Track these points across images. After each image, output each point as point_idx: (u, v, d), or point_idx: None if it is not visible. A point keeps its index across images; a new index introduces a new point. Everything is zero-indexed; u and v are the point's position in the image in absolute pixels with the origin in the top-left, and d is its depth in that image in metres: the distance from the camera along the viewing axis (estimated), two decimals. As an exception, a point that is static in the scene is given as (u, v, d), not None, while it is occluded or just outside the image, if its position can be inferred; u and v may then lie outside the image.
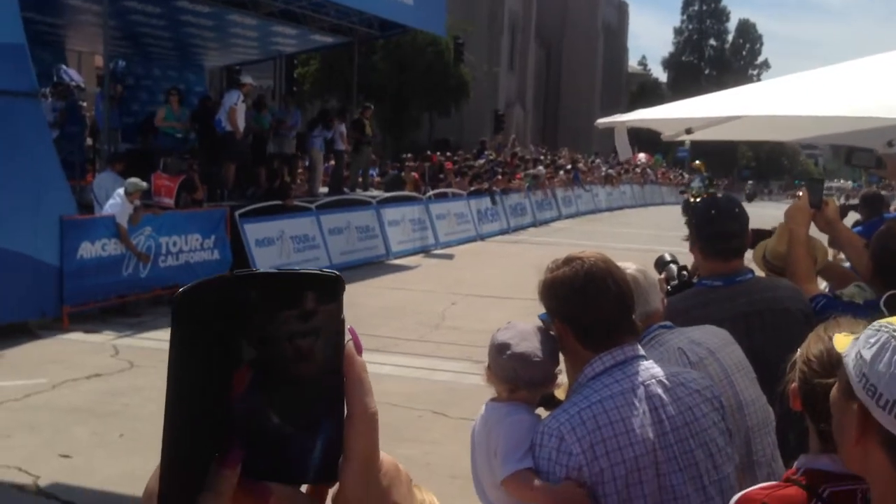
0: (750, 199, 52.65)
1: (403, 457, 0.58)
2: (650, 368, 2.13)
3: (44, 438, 6.10)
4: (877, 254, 2.96)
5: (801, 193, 3.14)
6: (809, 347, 1.37)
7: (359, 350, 0.59)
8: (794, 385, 1.39)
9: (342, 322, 0.58)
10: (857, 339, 1.22)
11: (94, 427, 6.36)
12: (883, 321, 1.20)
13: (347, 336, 0.59)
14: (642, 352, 2.18)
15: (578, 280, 2.09)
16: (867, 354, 1.17)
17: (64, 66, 14.89)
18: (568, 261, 2.14)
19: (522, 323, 2.27)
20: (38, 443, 6.02)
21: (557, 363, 2.20)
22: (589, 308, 2.10)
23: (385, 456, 0.61)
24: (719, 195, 3.25)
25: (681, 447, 2.05)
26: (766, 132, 4.77)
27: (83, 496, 5.15)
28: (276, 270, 0.57)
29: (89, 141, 14.94)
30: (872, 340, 1.18)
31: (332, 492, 0.60)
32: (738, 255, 3.01)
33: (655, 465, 2.00)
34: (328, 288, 0.57)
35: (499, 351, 2.17)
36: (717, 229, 2.98)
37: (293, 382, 0.57)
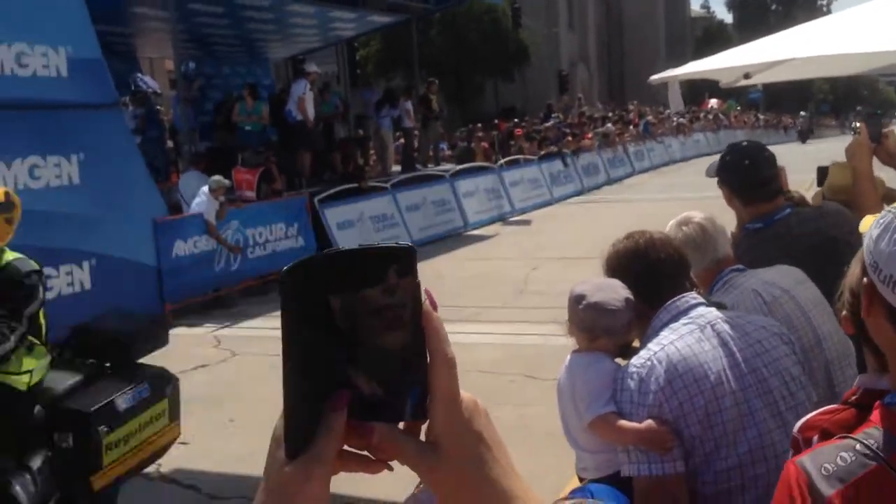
0: (803, 138, 46.57)
1: (499, 421, 0.72)
2: (713, 311, 2.28)
3: (162, 428, 6.49)
4: None
5: (858, 126, 3.16)
6: (853, 271, 1.46)
7: (434, 307, 0.71)
8: (845, 313, 1.46)
9: (419, 288, 0.69)
10: (874, 220, 1.29)
11: (207, 414, 6.69)
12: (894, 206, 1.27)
13: (424, 297, 0.70)
14: (702, 299, 2.33)
15: (640, 249, 2.35)
16: (874, 233, 1.26)
17: (139, 74, 15.39)
18: (628, 235, 2.41)
19: (599, 278, 2.42)
20: (157, 432, 6.40)
21: (633, 311, 2.33)
22: (650, 272, 2.32)
23: (465, 393, 0.73)
24: (744, 143, 3.30)
25: (755, 376, 2.17)
26: (826, 68, 4.71)
27: (203, 479, 5.44)
28: (357, 247, 0.68)
29: (170, 143, 15.45)
30: (881, 221, 1.26)
31: (424, 427, 0.71)
32: (778, 195, 3.12)
33: (733, 394, 2.12)
34: (405, 261, 0.68)
35: (576, 301, 2.33)
36: (755, 178, 3.08)
37: (382, 350, 0.67)
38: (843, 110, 78.19)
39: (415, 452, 0.70)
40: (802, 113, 60.17)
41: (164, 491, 5.36)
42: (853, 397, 1.41)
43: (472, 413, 0.72)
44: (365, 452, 0.71)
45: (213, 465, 5.65)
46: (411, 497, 1.86)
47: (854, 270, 1.37)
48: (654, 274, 2.32)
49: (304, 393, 0.67)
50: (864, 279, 1.30)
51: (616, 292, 2.30)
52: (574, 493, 2.21)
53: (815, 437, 1.42)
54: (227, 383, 7.56)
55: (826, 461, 1.20)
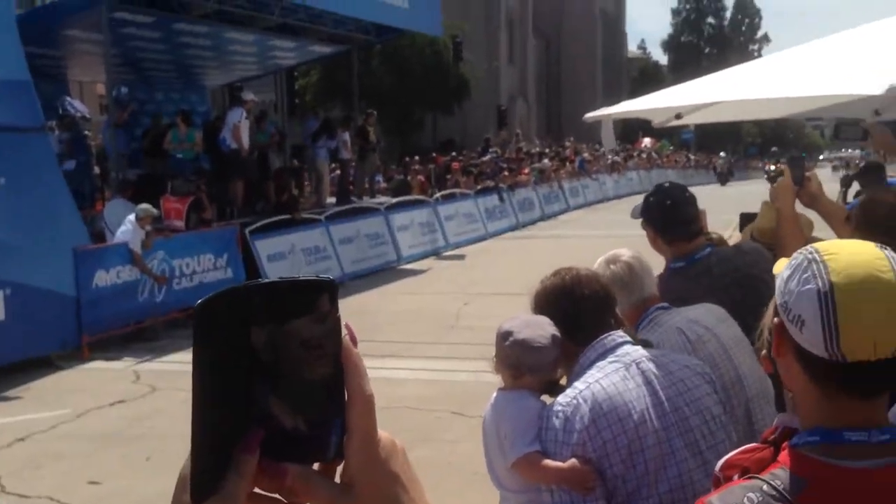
0: (723, 180, 44.91)
1: (424, 458, 0.68)
2: (638, 350, 2.28)
3: (73, 466, 6.22)
4: (860, 224, 2.99)
5: (772, 169, 3.21)
6: (769, 311, 1.46)
7: (354, 342, 0.68)
8: (764, 352, 1.48)
9: (339, 322, 0.66)
10: (787, 262, 1.33)
11: (122, 452, 6.47)
12: (808, 246, 1.31)
13: (344, 332, 0.67)
14: (628, 338, 2.32)
15: (566, 286, 2.34)
16: (785, 274, 1.29)
17: (68, 98, 15.04)
18: (556, 272, 2.42)
19: (527, 314, 2.41)
20: (67, 471, 6.13)
21: (560, 350, 2.31)
22: (576, 309, 2.31)
23: (382, 432, 0.70)
24: (666, 185, 3.40)
25: (677, 415, 2.17)
26: (755, 112, 4.83)
27: (117, 519, 5.26)
28: (278, 279, 0.65)
29: (96, 170, 15.10)
30: (793, 263, 1.29)
31: (340, 468, 0.69)
32: (699, 235, 3.21)
33: (655, 433, 2.12)
34: (329, 293, 0.65)
35: (503, 338, 2.31)
36: (676, 218, 3.17)
37: (307, 383, 0.65)
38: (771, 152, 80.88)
39: (328, 494, 0.68)
40: (722, 154, 61.45)
41: (73, 532, 5.11)
42: (772, 436, 1.43)
43: (389, 453, 0.70)
44: (277, 495, 0.68)
45: (129, 506, 5.41)
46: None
47: (770, 311, 1.40)
48: (579, 311, 2.32)
49: (215, 432, 0.65)
50: (775, 319, 1.33)
51: (543, 329, 2.29)
52: None
53: (736, 476, 1.44)
54: (146, 419, 7.31)
55: (734, 501, 1.22)
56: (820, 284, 1.22)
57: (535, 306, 2.41)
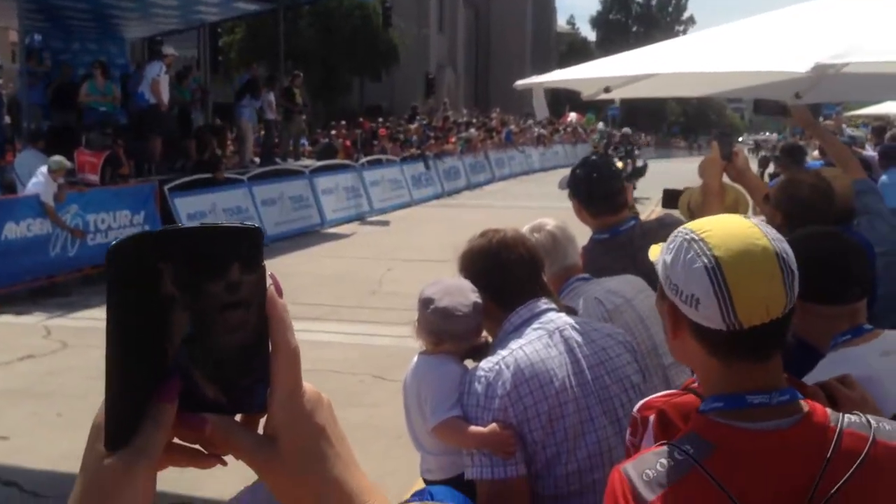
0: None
1: (347, 421, 0.68)
2: (562, 317, 2.30)
3: (-21, 421, 6.03)
4: (782, 203, 3.10)
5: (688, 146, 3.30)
6: None
7: (279, 292, 0.66)
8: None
9: (265, 272, 0.64)
10: (663, 247, 1.38)
11: (31, 408, 6.29)
12: (680, 228, 1.37)
13: (269, 282, 0.65)
14: (553, 304, 2.34)
15: (492, 248, 2.32)
16: (668, 258, 1.34)
17: (-24, 43, 14.34)
18: (483, 233, 2.39)
19: (450, 279, 2.39)
20: (-27, 426, 5.94)
21: (481, 317, 2.33)
22: (501, 272, 2.31)
23: (308, 385, 0.69)
24: (593, 158, 3.48)
25: (597, 383, 2.21)
26: (683, 88, 4.92)
27: (25, 476, 5.11)
28: (199, 225, 0.62)
29: (7, 119, 14.45)
30: (671, 246, 1.35)
31: (263, 420, 0.68)
32: (623, 208, 3.28)
33: (575, 400, 2.15)
34: (252, 243, 0.63)
35: (423, 305, 2.30)
36: (602, 191, 3.23)
37: (228, 335, 0.63)
38: (693, 132, 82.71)
39: (250, 445, 0.66)
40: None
41: (-21, 489, 4.96)
42: (693, 384, 1.50)
43: (314, 405, 0.68)
44: (197, 446, 0.67)
45: (37, 462, 5.31)
46: (233, 499, 1.75)
47: (658, 296, 1.43)
48: (504, 274, 2.32)
49: (130, 378, 0.62)
50: (665, 304, 1.37)
51: (465, 296, 2.28)
52: (414, 497, 2.19)
53: (652, 417, 1.53)
54: (57, 375, 7.11)
55: (647, 467, 1.27)
56: (706, 261, 1.27)
57: (460, 266, 2.41)
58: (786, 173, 3.42)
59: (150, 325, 0.62)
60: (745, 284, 1.25)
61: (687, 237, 1.32)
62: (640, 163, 21.86)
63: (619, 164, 21.57)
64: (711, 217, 1.38)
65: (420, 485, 2.52)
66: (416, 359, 2.39)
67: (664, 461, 1.26)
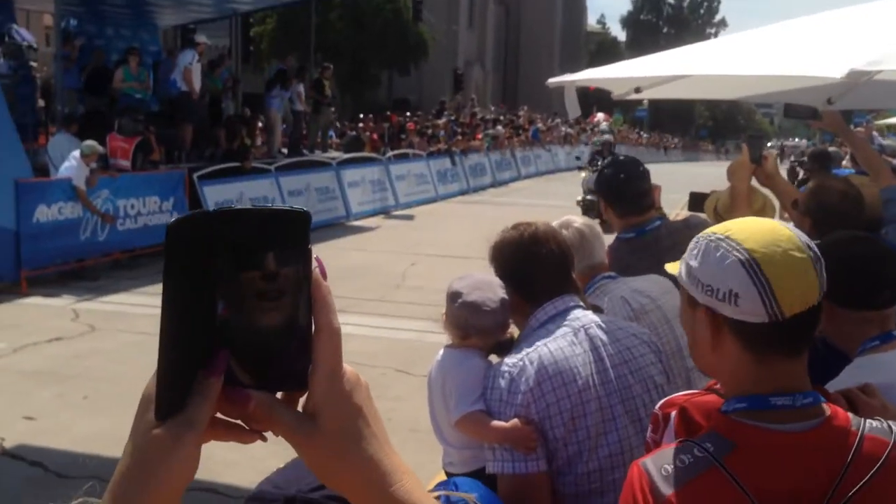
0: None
1: None
2: (588, 314, 2.30)
3: (8, 401, 6.11)
4: (812, 209, 3.08)
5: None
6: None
7: (324, 275, 0.69)
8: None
9: (310, 254, 0.66)
10: (683, 257, 1.39)
11: (58, 389, 6.38)
12: (698, 235, 1.38)
13: (315, 265, 0.68)
14: (580, 302, 2.34)
15: (524, 242, 2.30)
16: (695, 263, 1.34)
17: (14, 25, 14.49)
18: (515, 226, 2.36)
19: (479, 273, 2.40)
20: (2, 405, 6.02)
21: (509, 313, 2.34)
22: (530, 266, 2.30)
23: (348, 367, 0.71)
24: (622, 158, 3.46)
25: (620, 382, 2.21)
26: (713, 90, 4.89)
27: (50, 457, 5.16)
28: (251, 207, 0.64)
29: (41, 102, 14.61)
30: (695, 252, 1.35)
31: (303, 398, 0.70)
32: (650, 209, 3.27)
33: (598, 399, 2.16)
34: (298, 226, 0.65)
35: (451, 299, 2.32)
36: (629, 191, 3.23)
37: (269, 325, 0.66)
38: (721, 136, 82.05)
39: (291, 423, 0.68)
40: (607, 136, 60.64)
41: (6, 467, 5.05)
42: (716, 386, 1.50)
43: (353, 386, 0.71)
44: (239, 421, 0.69)
45: (62, 443, 5.38)
46: (265, 480, 1.78)
47: (687, 315, 1.42)
48: (533, 268, 2.32)
49: (182, 352, 0.64)
50: (696, 312, 1.36)
51: (493, 292, 2.30)
52: (438, 486, 2.21)
53: (673, 414, 1.52)
54: (83, 359, 7.19)
55: (666, 463, 1.28)
56: (739, 255, 1.28)
57: (491, 257, 2.41)
58: (815, 179, 3.39)
59: (201, 302, 0.64)
60: (782, 273, 1.26)
61: (711, 239, 1.33)
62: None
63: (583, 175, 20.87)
64: (728, 221, 1.39)
65: (441, 478, 2.54)
66: (441, 352, 2.41)
67: (684, 457, 1.27)
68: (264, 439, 0.70)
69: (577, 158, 15.30)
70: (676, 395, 1.64)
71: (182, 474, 0.65)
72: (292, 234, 0.65)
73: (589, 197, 18.10)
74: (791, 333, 1.29)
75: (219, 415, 0.68)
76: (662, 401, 1.64)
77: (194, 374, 0.65)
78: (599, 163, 20.36)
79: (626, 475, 1.32)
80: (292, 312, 0.66)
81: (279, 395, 0.69)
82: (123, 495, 0.64)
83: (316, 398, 0.69)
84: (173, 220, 0.63)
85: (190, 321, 0.64)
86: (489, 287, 2.31)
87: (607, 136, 21.02)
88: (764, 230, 1.31)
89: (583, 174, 17.63)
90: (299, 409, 0.70)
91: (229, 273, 0.63)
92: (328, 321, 0.68)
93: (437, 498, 1.68)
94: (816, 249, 1.32)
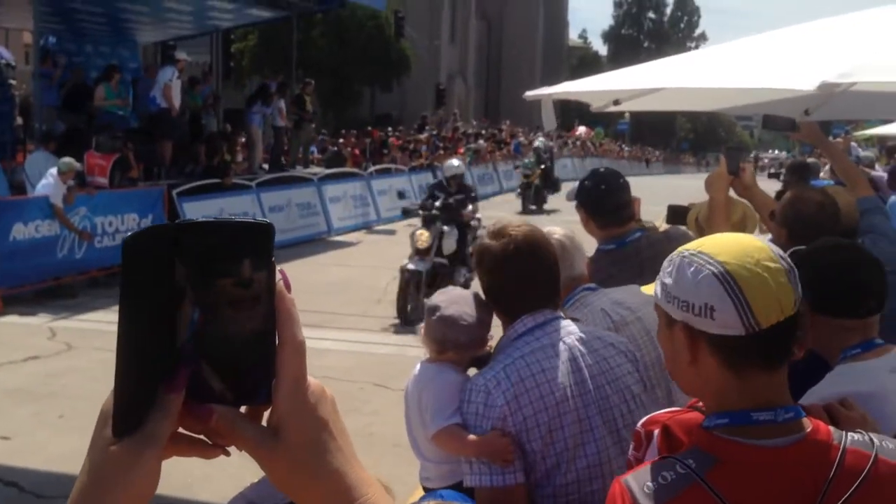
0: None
1: (346, 428, 0.70)
2: (567, 326, 2.28)
3: (-18, 421, 6.04)
4: (788, 220, 3.08)
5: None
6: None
7: (287, 287, 0.67)
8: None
9: (274, 268, 0.65)
10: (658, 276, 1.39)
11: (34, 408, 6.30)
12: (671, 254, 1.38)
13: (278, 277, 0.66)
14: (560, 314, 2.32)
15: (507, 254, 2.23)
16: (669, 280, 1.34)
17: (-9, 43, 14.43)
18: (499, 235, 2.27)
19: (459, 289, 2.42)
20: (-25, 425, 5.95)
21: (487, 328, 2.33)
22: (511, 281, 2.26)
23: (312, 379, 0.70)
24: (601, 170, 3.44)
25: (598, 393, 2.19)
26: (691, 102, 4.93)
27: (26, 476, 5.11)
28: (213, 219, 0.63)
29: (19, 120, 14.51)
30: (669, 269, 1.35)
31: (267, 413, 0.69)
32: (630, 220, 3.27)
33: (576, 411, 2.14)
34: (262, 239, 0.64)
35: (430, 312, 2.31)
36: (609, 203, 3.23)
37: (236, 329, 0.64)
38: (702, 149, 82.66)
39: (254, 437, 0.67)
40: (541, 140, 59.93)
41: (-20, 488, 4.97)
42: (698, 403, 1.50)
43: (318, 399, 0.70)
44: (202, 436, 0.68)
45: (39, 463, 5.32)
46: (238, 495, 1.75)
47: (663, 334, 1.42)
48: (512, 284, 2.27)
49: (139, 368, 0.63)
50: (674, 330, 1.35)
51: (471, 307, 2.29)
52: (425, 497, 2.20)
53: (656, 431, 1.53)
54: (60, 377, 7.12)
55: (649, 480, 1.27)
56: (713, 269, 1.28)
57: (475, 262, 2.37)
58: (791, 190, 3.40)
59: (161, 316, 0.63)
60: (756, 284, 1.26)
61: (685, 255, 1.33)
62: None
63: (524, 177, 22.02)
64: (701, 238, 1.40)
65: (419, 492, 2.52)
66: (418, 366, 2.40)
67: (666, 474, 1.26)
68: (227, 454, 0.69)
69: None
70: (659, 412, 1.63)
71: (142, 491, 0.64)
72: (259, 245, 0.64)
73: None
74: (769, 345, 1.29)
75: (181, 430, 0.66)
76: (645, 418, 1.63)
77: (154, 389, 0.64)
78: (542, 166, 21.54)
79: (605, 486, 1.31)
80: (261, 322, 0.65)
81: (244, 409, 0.68)
82: None
83: (280, 411, 0.67)
84: (129, 234, 0.62)
85: (147, 337, 0.63)
86: (467, 302, 2.31)
87: (540, 140, 22.07)
88: (736, 243, 1.32)
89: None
90: (264, 422, 0.69)
91: (203, 281, 0.62)
92: (292, 334, 0.67)
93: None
94: (790, 260, 1.32)
